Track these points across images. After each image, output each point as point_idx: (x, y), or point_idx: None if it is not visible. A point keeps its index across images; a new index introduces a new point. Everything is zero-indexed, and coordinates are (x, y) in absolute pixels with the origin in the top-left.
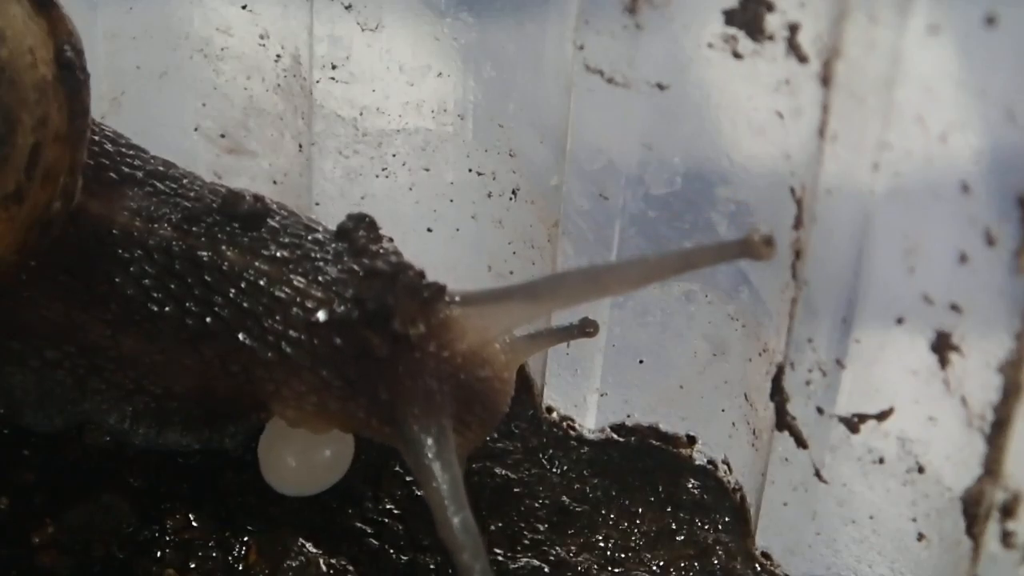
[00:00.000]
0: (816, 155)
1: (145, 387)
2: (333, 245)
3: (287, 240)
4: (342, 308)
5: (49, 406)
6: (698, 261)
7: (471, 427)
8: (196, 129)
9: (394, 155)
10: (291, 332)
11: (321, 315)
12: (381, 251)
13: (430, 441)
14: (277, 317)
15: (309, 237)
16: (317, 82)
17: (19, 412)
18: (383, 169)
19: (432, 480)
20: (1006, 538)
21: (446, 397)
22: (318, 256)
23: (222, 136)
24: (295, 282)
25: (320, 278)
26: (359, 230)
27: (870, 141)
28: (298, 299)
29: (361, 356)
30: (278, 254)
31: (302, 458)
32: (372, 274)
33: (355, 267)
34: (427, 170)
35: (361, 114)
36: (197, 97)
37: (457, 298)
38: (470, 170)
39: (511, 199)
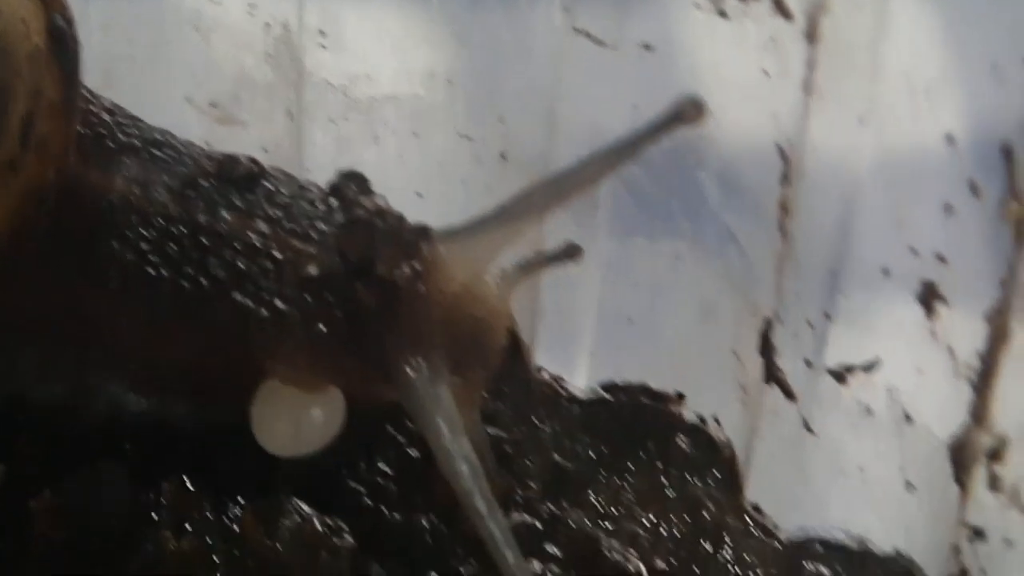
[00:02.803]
0: (803, 112)
1: (144, 356)
2: (325, 203)
3: (281, 201)
4: (328, 261)
5: (51, 378)
6: (641, 141)
7: (471, 368)
8: (187, 99)
9: (384, 123)
10: (285, 290)
11: (311, 271)
12: (363, 202)
13: (425, 383)
14: (272, 276)
15: (302, 197)
16: (307, 51)
17: (24, 384)
18: (373, 137)
19: (430, 422)
20: (993, 482)
21: (440, 339)
22: (310, 214)
23: (213, 107)
24: (289, 241)
25: (312, 234)
26: (350, 186)
27: (856, 97)
28: (291, 257)
29: (351, 307)
30: (272, 214)
31: (294, 419)
32: (352, 224)
33: (340, 220)
34: (417, 137)
35: (351, 82)
36: (187, 69)
37: (439, 237)
38: (459, 136)
39: (500, 164)
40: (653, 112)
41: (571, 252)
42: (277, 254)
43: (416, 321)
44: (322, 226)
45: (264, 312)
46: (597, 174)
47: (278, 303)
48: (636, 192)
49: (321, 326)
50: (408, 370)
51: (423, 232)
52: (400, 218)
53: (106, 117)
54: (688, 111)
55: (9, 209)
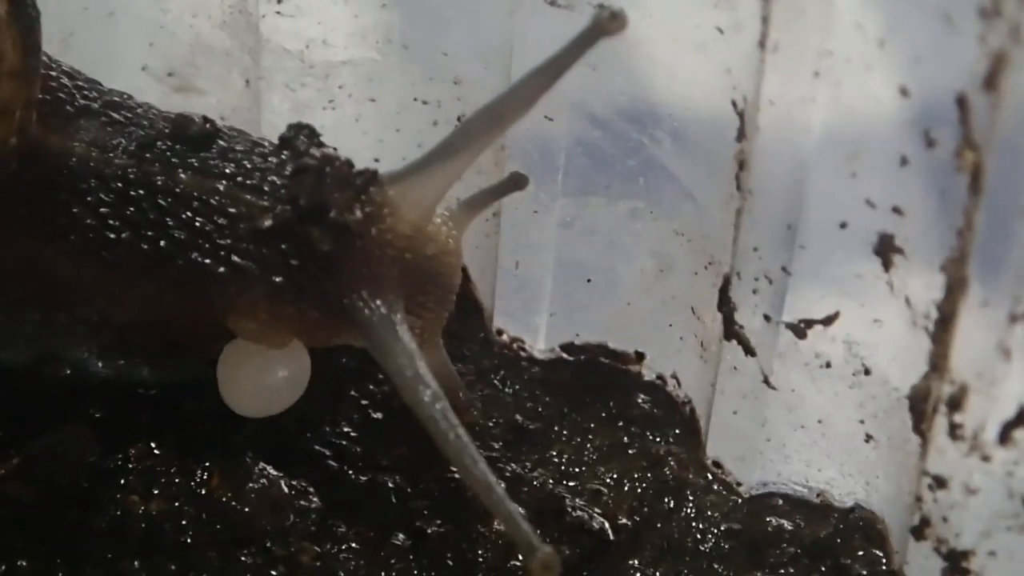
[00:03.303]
0: (758, 67)
1: (109, 320)
2: (277, 156)
3: (235, 156)
4: (280, 211)
5: (17, 342)
6: (569, 57)
7: (428, 307)
8: (144, 68)
9: (340, 87)
10: (241, 244)
11: (265, 223)
12: (312, 151)
13: (383, 320)
14: (227, 232)
15: (255, 151)
16: (263, 17)
17: None
18: (330, 101)
19: (391, 355)
20: (953, 430)
21: (395, 279)
22: (263, 167)
23: (170, 75)
24: (243, 196)
25: (265, 187)
26: (299, 137)
27: (810, 50)
28: (245, 211)
29: (306, 255)
30: (227, 170)
31: (259, 379)
32: (301, 171)
33: (291, 170)
34: (373, 101)
35: (307, 47)
36: (144, 36)
37: (387, 180)
38: (415, 99)
39: (457, 125)
40: (610, 72)
41: (516, 182)
42: (232, 210)
43: (371, 263)
44: (274, 179)
45: (222, 269)
46: (531, 96)
47: (235, 258)
48: (592, 151)
49: (278, 277)
50: (367, 311)
51: (372, 176)
52: (348, 163)
53: (65, 81)
54: (607, 23)
55: None
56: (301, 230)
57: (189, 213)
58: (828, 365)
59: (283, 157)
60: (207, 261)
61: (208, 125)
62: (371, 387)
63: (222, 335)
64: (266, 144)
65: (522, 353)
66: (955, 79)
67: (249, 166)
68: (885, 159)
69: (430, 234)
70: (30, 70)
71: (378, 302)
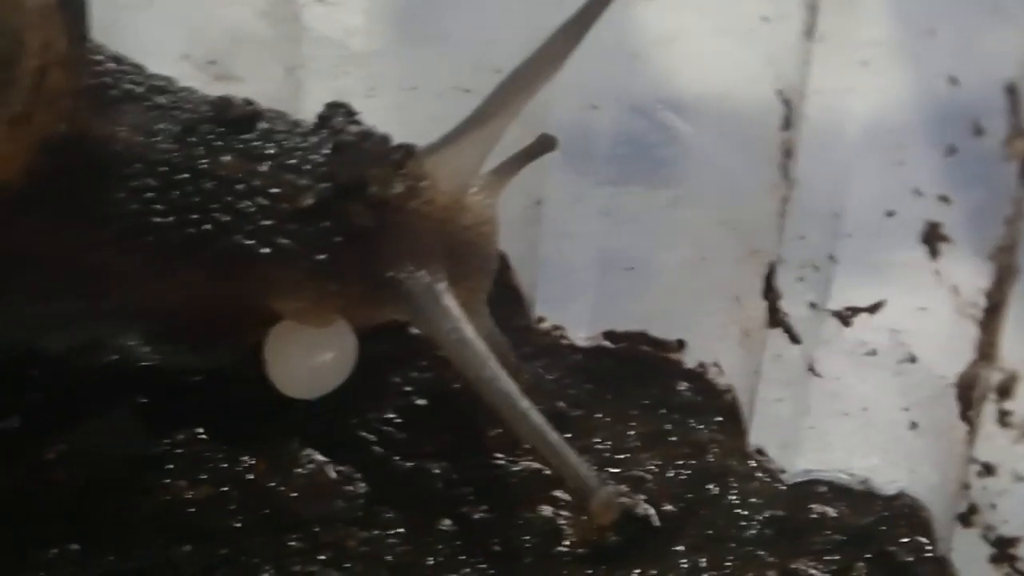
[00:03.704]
0: (804, 56)
1: (154, 306)
2: (316, 135)
3: (276, 138)
4: (320, 189)
5: (63, 330)
6: (593, 12)
7: (469, 276)
8: (185, 57)
9: (382, 75)
10: (283, 225)
11: (306, 201)
12: (349, 128)
13: (426, 290)
14: (269, 213)
15: (295, 131)
16: (304, 5)
17: (34, 336)
18: (371, 89)
19: (436, 323)
20: (1002, 417)
21: (435, 251)
22: (303, 147)
23: (210, 63)
24: (284, 176)
25: (305, 167)
26: (336, 115)
27: (858, 39)
28: (286, 191)
29: (347, 231)
30: (268, 151)
31: (307, 360)
32: (340, 148)
33: (329, 148)
34: (414, 89)
35: (349, 35)
36: (185, 25)
37: (423, 153)
38: (457, 88)
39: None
40: (653, 61)
41: (545, 144)
42: (274, 190)
43: (411, 236)
44: (314, 157)
45: (265, 250)
46: (559, 53)
47: (278, 239)
48: (634, 140)
49: (321, 255)
50: (410, 283)
51: (409, 150)
52: (385, 138)
53: (111, 66)
54: None
55: (22, 161)
56: (342, 207)
57: (232, 196)
58: (873, 353)
59: (321, 136)
60: (250, 243)
61: (249, 107)
62: (414, 374)
63: (266, 319)
64: (305, 124)
65: (563, 341)
66: (1004, 68)
67: (289, 146)
68: (933, 148)
69: (467, 204)
70: (78, 58)
71: (421, 273)
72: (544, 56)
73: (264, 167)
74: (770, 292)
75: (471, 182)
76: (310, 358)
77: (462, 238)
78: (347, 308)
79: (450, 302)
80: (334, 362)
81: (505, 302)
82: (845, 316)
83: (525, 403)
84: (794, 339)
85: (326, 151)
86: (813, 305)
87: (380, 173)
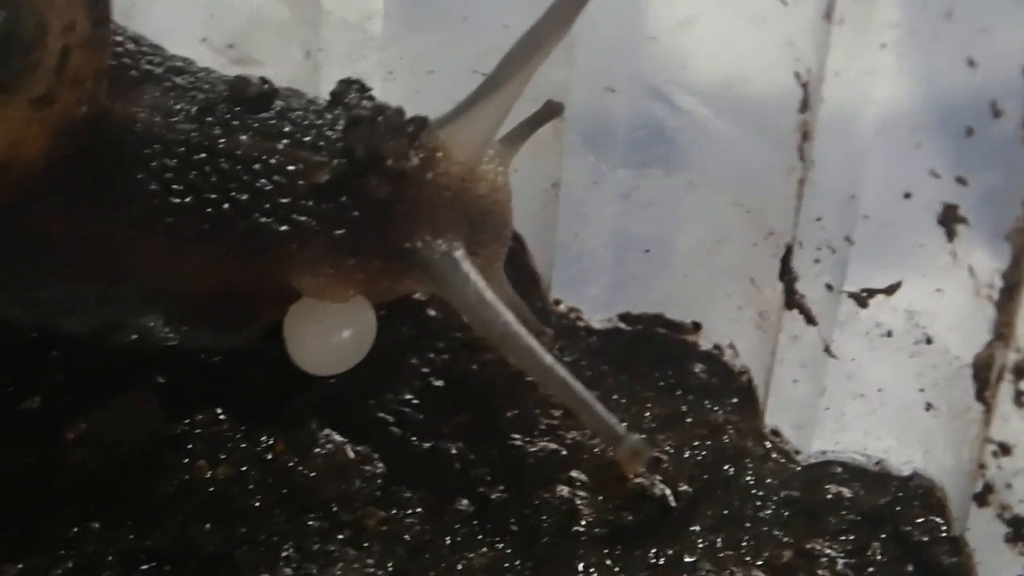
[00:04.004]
0: (823, 39)
1: (173, 287)
2: (330, 111)
3: (292, 116)
4: (337, 164)
5: (83, 311)
6: None
7: (485, 244)
8: (203, 41)
9: (400, 58)
10: (301, 202)
11: (323, 177)
12: (363, 103)
13: (445, 258)
14: (287, 191)
15: (311, 109)
16: None
17: (55, 317)
18: (390, 72)
19: (456, 289)
20: (1019, 398)
21: (452, 220)
22: (318, 124)
23: (229, 47)
24: (300, 154)
25: (320, 143)
26: (350, 91)
27: (877, 22)
28: (303, 168)
29: (365, 205)
30: (285, 129)
31: (327, 337)
32: (355, 122)
33: (344, 123)
34: (432, 73)
35: (368, 19)
36: (203, 8)
37: (436, 125)
38: (474, 71)
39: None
40: (670, 45)
41: (552, 110)
42: (291, 168)
43: (428, 207)
44: (329, 134)
45: (284, 227)
46: (567, 15)
47: (296, 216)
48: (651, 123)
49: (339, 230)
50: (428, 252)
51: (423, 122)
52: (400, 111)
53: (131, 47)
54: None
55: (44, 143)
56: (359, 181)
57: (249, 175)
58: (889, 334)
59: (336, 113)
60: (268, 221)
61: (266, 86)
62: (431, 355)
63: (285, 297)
64: (320, 102)
65: (579, 323)
66: (1021, 50)
67: (306, 124)
68: (950, 130)
69: (481, 173)
70: (101, 39)
71: (439, 242)
72: (551, 19)
73: (281, 145)
74: (787, 274)
75: (485, 151)
76: (329, 336)
77: (477, 207)
78: (366, 282)
79: (469, 268)
80: (353, 339)
81: (521, 284)
82: (861, 298)
83: (549, 358)
84: (810, 320)
85: (341, 127)
86: (829, 287)
87: (395, 146)
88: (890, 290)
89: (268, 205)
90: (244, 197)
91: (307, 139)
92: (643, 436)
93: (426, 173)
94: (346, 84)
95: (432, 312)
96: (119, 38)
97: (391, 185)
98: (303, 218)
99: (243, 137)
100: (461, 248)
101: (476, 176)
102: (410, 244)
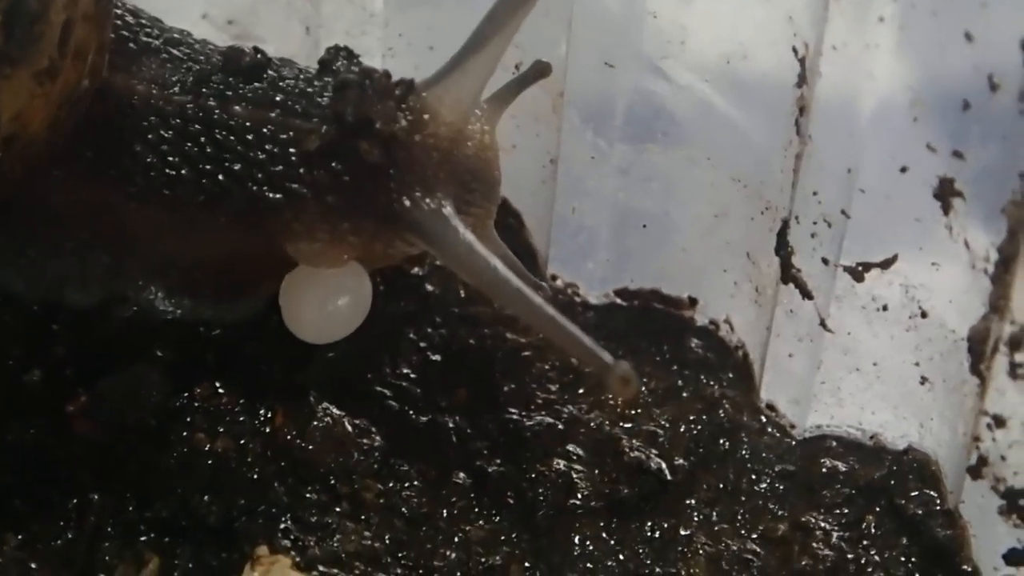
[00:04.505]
0: (821, 13)
1: (175, 260)
2: (320, 79)
3: (284, 85)
4: (327, 130)
5: (88, 285)
6: None
7: (475, 203)
8: (204, 16)
9: (400, 35)
10: (293, 170)
11: (314, 144)
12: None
13: (435, 215)
14: (280, 159)
15: (301, 77)
16: None
17: (59, 291)
18: (389, 49)
19: (448, 245)
20: (1014, 370)
21: (442, 180)
22: (309, 92)
23: (230, 23)
24: (292, 122)
25: (312, 110)
26: (338, 58)
27: None
28: (295, 136)
29: (356, 169)
30: (277, 98)
31: (323, 305)
32: (343, 87)
33: (332, 88)
34: (432, 49)
35: None
36: None
37: (423, 86)
38: None
39: (514, 74)
40: (670, 21)
41: (540, 71)
42: (284, 136)
43: (418, 168)
44: (320, 100)
45: (278, 196)
46: None
47: (289, 184)
48: (650, 99)
49: (332, 195)
50: (418, 211)
51: (410, 84)
52: (387, 75)
53: (129, 19)
54: None
55: (46, 115)
56: (349, 145)
57: (243, 145)
58: (885, 308)
59: (325, 80)
60: (263, 189)
61: (259, 56)
62: (429, 330)
63: (283, 266)
64: (311, 70)
65: (576, 298)
66: (1020, 23)
67: (296, 92)
68: (947, 104)
69: (469, 133)
70: (103, 14)
71: (428, 200)
72: None
73: (273, 114)
74: (783, 248)
75: (472, 112)
76: (325, 303)
77: (466, 166)
78: (360, 246)
79: (458, 223)
80: (349, 307)
81: (519, 258)
82: (857, 272)
83: (537, 299)
84: (806, 295)
85: (330, 94)
86: (826, 261)
87: (384, 109)
88: (886, 264)
89: (261, 175)
90: (238, 167)
91: (298, 107)
92: (629, 365)
93: (415, 135)
94: (335, 51)
95: (430, 287)
96: (117, 11)
97: (381, 148)
98: (296, 186)
99: (237, 107)
100: (450, 206)
101: (464, 136)
102: (400, 205)
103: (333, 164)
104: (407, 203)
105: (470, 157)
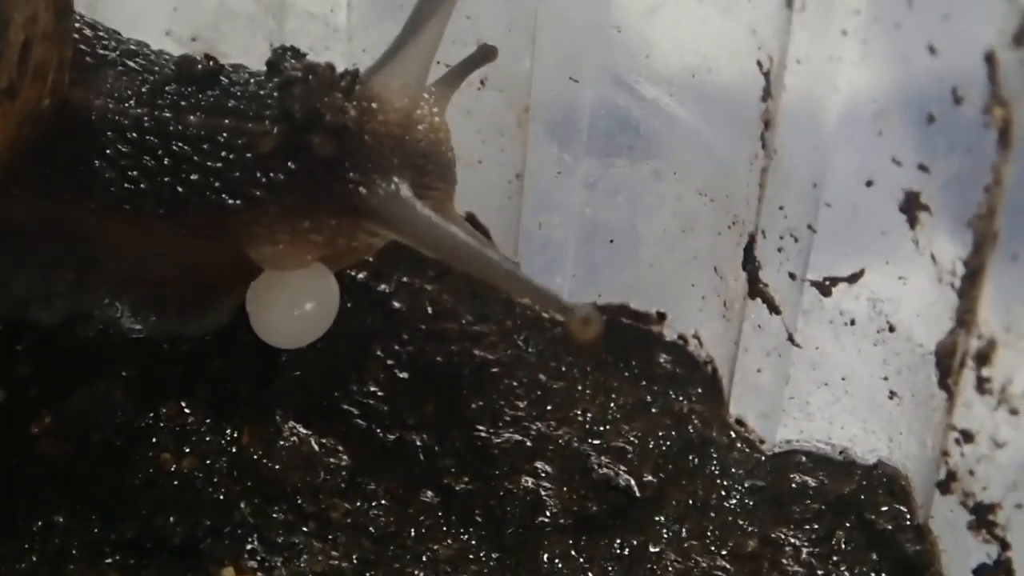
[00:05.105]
0: (784, 26)
1: (139, 275)
2: (270, 80)
3: (236, 91)
4: (278, 131)
5: (53, 302)
6: None
7: (433, 185)
8: (168, 33)
9: (364, 50)
10: (251, 174)
11: (267, 146)
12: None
13: (393, 198)
14: (236, 165)
15: (252, 81)
16: None
17: (23, 309)
18: (353, 64)
19: (410, 225)
20: (981, 384)
21: (396, 166)
22: (260, 95)
23: (193, 40)
24: (245, 127)
25: (264, 113)
26: (285, 57)
27: (838, 8)
28: (248, 141)
29: (311, 165)
30: (230, 104)
31: (290, 310)
32: (288, 84)
33: (278, 85)
34: None
35: (332, 10)
36: (168, 1)
37: (369, 74)
38: (438, 62)
39: (479, 88)
40: (634, 34)
41: (486, 54)
42: (239, 142)
43: (372, 156)
44: (270, 102)
45: (237, 201)
46: None
47: (247, 189)
48: (616, 112)
49: (290, 194)
50: (375, 198)
51: (355, 74)
52: (330, 67)
53: (87, 32)
54: None
55: (8, 134)
56: (302, 141)
57: (200, 155)
58: (852, 322)
59: (275, 81)
60: (222, 197)
61: (211, 63)
62: (396, 347)
63: (249, 276)
64: (262, 74)
65: (544, 314)
66: (983, 36)
67: (248, 96)
68: (912, 117)
69: (418, 117)
70: (63, 32)
71: (384, 185)
72: None
73: (227, 121)
74: (750, 262)
75: (420, 96)
76: (292, 308)
77: (419, 149)
78: (323, 244)
79: (419, 204)
80: (316, 310)
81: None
82: (825, 286)
83: (496, 255)
84: (773, 309)
85: (276, 93)
86: (792, 275)
87: (331, 101)
88: (853, 278)
89: (219, 183)
90: (195, 177)
91: (250, 111)
92: (590, 305)
93: (365, 124)
94: (281, 51)
95: (397, 304)
96: (76, 24)
97: (333, 140)
98: (254, 190)
99: (191, 117)
100: (407, 189)
101: (414, 120)
102: (357, 196)
103: (288, 164)
104: (363, 191)
105: (422, 141)
